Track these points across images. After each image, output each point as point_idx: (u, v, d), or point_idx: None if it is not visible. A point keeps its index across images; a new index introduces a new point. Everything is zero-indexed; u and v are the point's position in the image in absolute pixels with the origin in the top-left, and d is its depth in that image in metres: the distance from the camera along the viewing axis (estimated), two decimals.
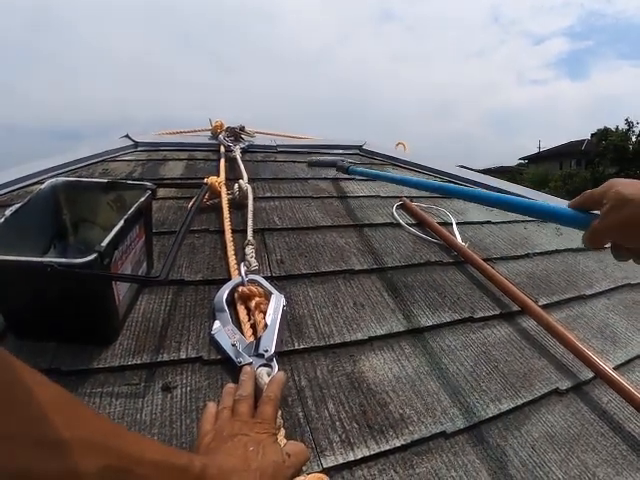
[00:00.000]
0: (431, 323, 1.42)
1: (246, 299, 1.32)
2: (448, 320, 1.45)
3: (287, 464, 0.82)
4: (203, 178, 1.96)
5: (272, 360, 1.11)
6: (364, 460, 0.96)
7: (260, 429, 0.88)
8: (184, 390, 1.07)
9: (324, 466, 0.92)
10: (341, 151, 3.29)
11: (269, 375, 1.05)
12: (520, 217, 2.43)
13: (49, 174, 2.18)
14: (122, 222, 1.15)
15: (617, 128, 28.67)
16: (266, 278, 1.43)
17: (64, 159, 2.43)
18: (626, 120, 28.20)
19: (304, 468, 0.89)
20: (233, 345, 1.16)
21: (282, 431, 0.94)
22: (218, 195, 1.96)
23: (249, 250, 1.53)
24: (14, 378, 0.53)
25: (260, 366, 1.08)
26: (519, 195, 2.71)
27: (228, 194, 1.98)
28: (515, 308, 1.56)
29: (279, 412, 0.97)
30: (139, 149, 2.86)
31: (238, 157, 2.56)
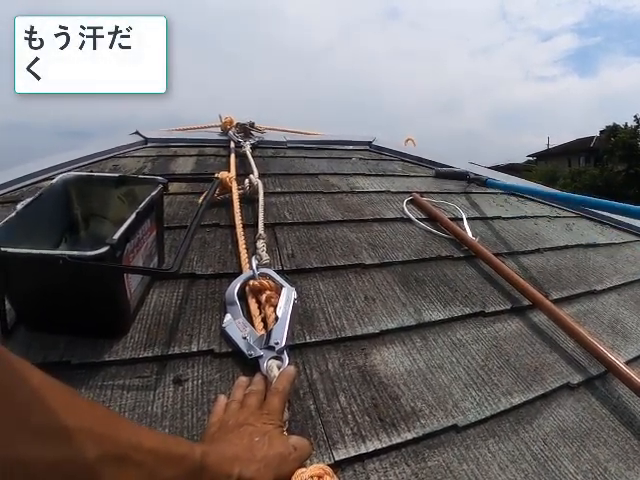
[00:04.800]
0: (442, 317, 1.42)
1: (257, 292, 1.32)
2: (459, 314, 1.45)
3: (293, 457, 0.82)
4: (214, 173, 1.96)
5: (283, 353, 1.11)
6: (376, 453, 0.95)
7: (266, 420, 0.88)
8: (195, 383, 1.07)
9: (336, 459, 0.92)
10: (351, 147, 3.28)
11: (279, 368, 1.05)
12: (530, 213, 2.43)
13: (59, 170, 2.19)
14: (134, 215, 1.15)
15: (626, 125, 28.41)
16: (277, 272, 1.43)
17: (74, 155, 2.44)
18: (635, 117, 27.93)
19: (308, 461, 0.89)
20: (244, 338, 1.16)
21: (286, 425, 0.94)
22: (229, 190, 1.96)
23: (260, 244, 1.53)
24: (8, 370, 0.53)
25: (270, 359, 1.08)
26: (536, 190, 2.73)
27: (239, 189, 1.98)
28: (526, 303, 1.56)
29: (287, 405, 0.98)
30: (149, 145, 2.86)
31: (248, 153, 2.56)
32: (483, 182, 2.64)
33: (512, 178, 3.07)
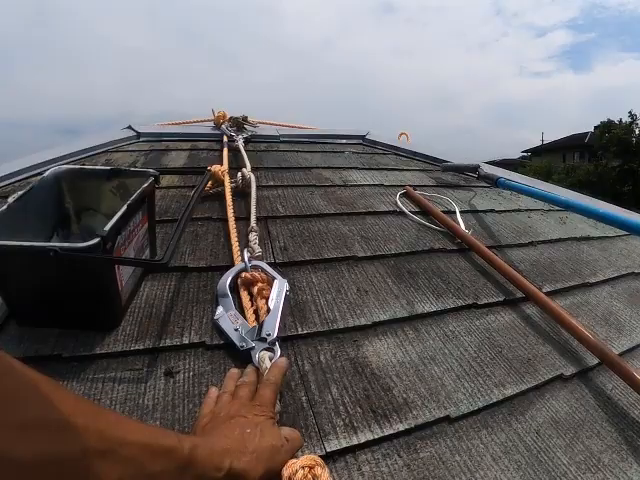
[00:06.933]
0: (435, 309, 1.42)
1: (249, 285, 1.32)
2: (452, 306, 1.45)
3: (285, 448, 0.82)
4: (206, 167, 1.95)
5: (274, 344, 1.11)
6: (368, 444, 0.95)
7: (258, 412, 0.87)
8: (187, 375, 1.07)
9: (327, 450, 0.92)
10: (344, 141, 3.30)
11: (271, 360, 1.05)
12: (523, 206, 2.44)
13: (52, 165, 2.18)
14: (125, 207, 1.14)
15: (620, 121, 28.45)
16: (269, 264, 1.43)
17: (67, 150, 2.44)
18: (629, 113, 27.97)
19: (300, 452, 0.88)
20: (236, 330, 1.16)
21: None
22: (221, 183, 1.97)
23: (252, 236, 1.53)
24: None
25: (262, 350, 1.08)
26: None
27: (231, 182, 1.97)
28: (519, 295, 1.56)
29: (278, 397, 0.97)
30: (142, 140, 2.87)
31: (241, 147, 2.56)
32: (494, 181, 2.43)
33: (511, 174, 3.05)
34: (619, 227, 1.67)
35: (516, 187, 2.37)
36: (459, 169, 2.79)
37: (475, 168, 2.63)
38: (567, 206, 1.95)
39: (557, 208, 2.50)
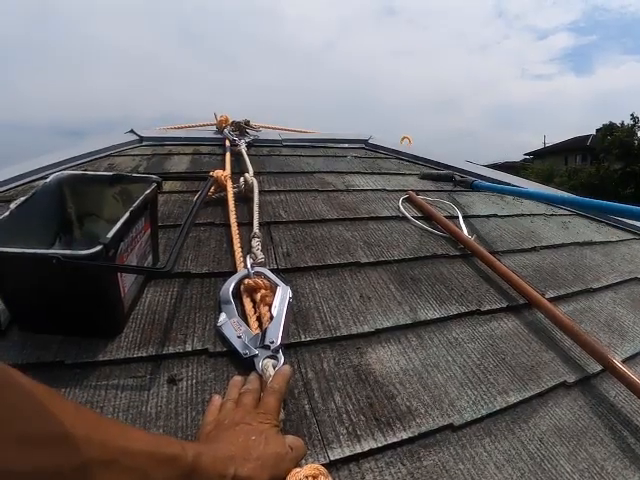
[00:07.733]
0: (438, 315, 1.41)
1: (252, 291, 1.32)
2: (455, 313, 1.44)
3: (289, 457, 0.82)
4: (208, 172, 1.95)
5: (278, 352, 1.11)
6: (371, 452, 0.95)
7: (263, 419, 0.87)
8: (190, 382, 1.07)
9: (331, 458, 0.92)
10: (347, 145, 3.29)
11: (274, 367, 1.05)
12: (526, 211, 2.44)
13: (54, 169, 2.18)
14: (128, 214, 1.14)
15: (622, 123, 28.42)
16: (272, 271, 1.42)
17: (69, 154, 2.43)
18: (631, 115, 27.94)
19: (303, 460, 0.88)
20: (239, 337, 1.15)
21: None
22: (224, 188, 1.96)
23: (255, 242, 1.52)
24: None
25: (266, 358, 1.08)
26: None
27: (234, 187, 1.97)
28: (522, 301, 1.55)
29: (282, 405, 0.97)
30: (144, 144, 2.86)
31: (243, 151, 2.56)
32: (469, 184, 2.57)
33: (511, 177, 3.06)
34: (610, 214, 1.69)
35: (489, 187, 2.52)
36: (436, 177, 2.83)
37: (451, 177, 2.72)
38: (539, 199, 2.01)
39: (560, 212, 2.51)
